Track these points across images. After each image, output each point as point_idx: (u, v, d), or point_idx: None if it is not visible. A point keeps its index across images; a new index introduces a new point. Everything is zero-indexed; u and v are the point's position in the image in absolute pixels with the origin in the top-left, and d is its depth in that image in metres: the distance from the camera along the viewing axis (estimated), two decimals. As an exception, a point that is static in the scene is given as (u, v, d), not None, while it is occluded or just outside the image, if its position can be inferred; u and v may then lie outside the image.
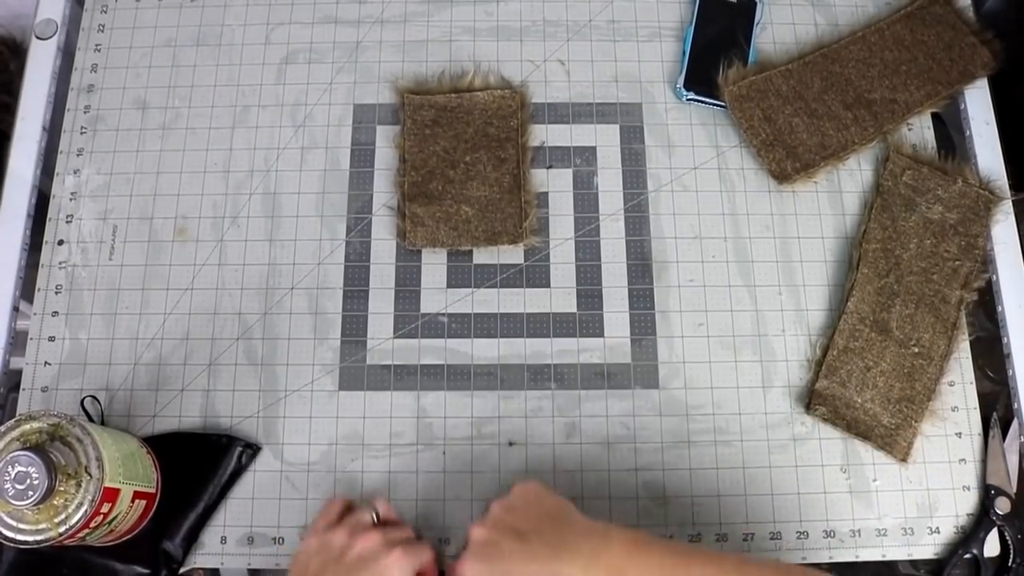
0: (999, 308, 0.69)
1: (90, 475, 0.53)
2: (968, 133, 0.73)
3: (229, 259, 0.69)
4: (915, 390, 0.65)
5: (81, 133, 0.73)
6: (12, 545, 0.52)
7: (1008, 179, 0.71)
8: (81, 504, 0.52)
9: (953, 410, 0.66)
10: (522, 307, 0.68)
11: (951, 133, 0.75)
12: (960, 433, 0.65)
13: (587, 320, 0.68)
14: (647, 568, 0.50)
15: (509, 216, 0.69)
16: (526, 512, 0.53)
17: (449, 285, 0.68)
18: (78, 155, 0.72)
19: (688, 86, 0.72)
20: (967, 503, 0.64)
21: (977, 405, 0.66)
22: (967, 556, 0.62)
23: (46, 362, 0.67)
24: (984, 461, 0.64)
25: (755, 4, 0.75)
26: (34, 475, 0.51)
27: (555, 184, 0.71)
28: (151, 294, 0.68)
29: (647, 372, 0.66)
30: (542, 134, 0.72)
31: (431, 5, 0.76)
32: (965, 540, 0.63)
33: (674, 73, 0.74)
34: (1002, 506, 0.63)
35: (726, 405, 0.66)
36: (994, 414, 0.66)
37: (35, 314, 0.68)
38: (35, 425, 0.53)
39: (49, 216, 0.70)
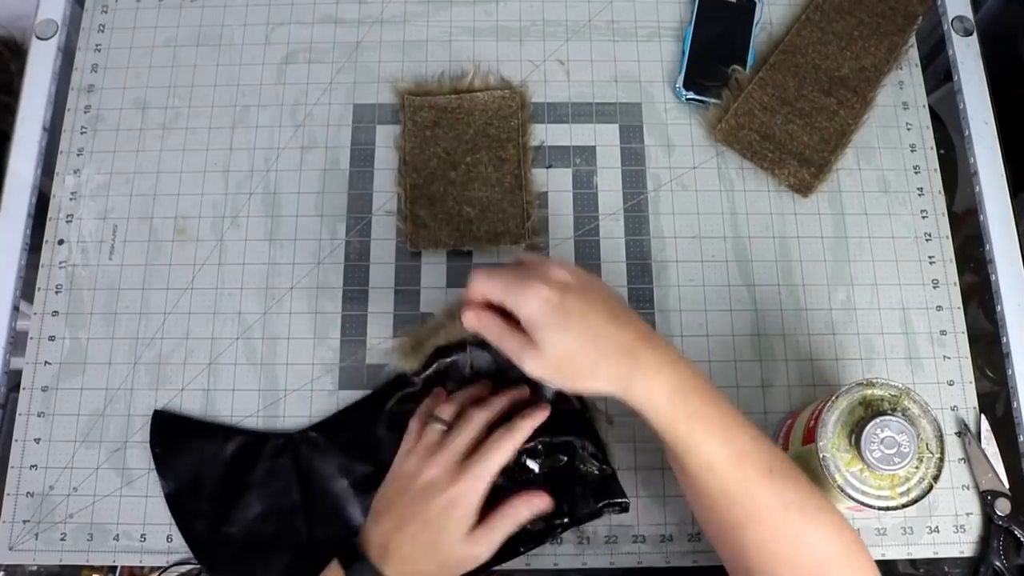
0: (998, 308, 0.69)
1: (931, 452, 0.53)
2: (967, 133, 0.73)
3: (229, 259, 0.69)
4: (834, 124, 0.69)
5: (81, 133, 0.73)
6: (870, 506, 0.53)
7: (1008, 179, 0.71)
8: (922, 479, 0.53)
9: (952, 409, 0.66)
10: (522, 307, 0.68)
11: (950, 133, 0.75)
12: (960, 432, 0.65)
13: (587, 320, 0.67)
14: (704, 416, 0.49)
15: (511, 216, 0.69)
16: (586, 284, 0.51)
17: (449, 285, 0.68)
18: (78, 155, 0.72)
19: (687, 86, 0.72)
20: (966, 502, 0.64)
21: (977, 404, 0.66)
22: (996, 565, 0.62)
23: (46, 361, 0.67)
24: (972, 472, 0.64)
25: (755, 4, 0.75)
26: (904, 442, 0.52)
27: (554, 184, 0.71)
28: (151, 294, 0.68)
29: (647, 372, 0.66)
30: (541, 134, 0.72)
31: (431, 5, 0.76)
32: (984, 553, 0.62)
33: (673, 73, 0.74)
34: (1002, 507, 0.63)
35: (726, 404, 0.66)
36: (962, 422, 0.66)
37: (35, 314, 0.68)
38: (877, 392, 0.54)
39: (49, 216, 0.70)
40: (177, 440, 0.64)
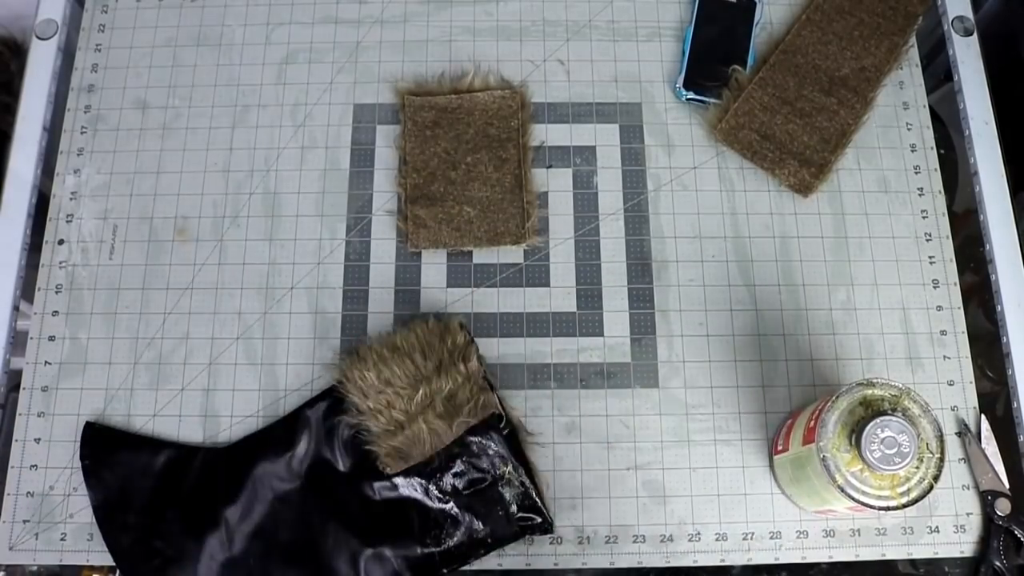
0: (998, 308, 0.69)
1: (931, 452, 0.53)
2: (968, 133, 0.73)
3: (229, 259, 0.69)
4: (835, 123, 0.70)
5: (81, 133, 0.73)
6: (870, 506, 0.53)
7: (1008, 179, 0.71)
8: (922, 480, 0.53)
9: (952, 409, 0.66)
10: (522, 306, 0.68)
11: (950, 133, 0.75)
12: (960, 432, 0.65)
13: (587, 319, 0.68)
14: None
15: (511, 216, 0.69)
16: None
17: (449, 285, 0.68)
18: (78, 155, 0.72)
19: (687, 86, 0.72)
20: (966, 502, 0.64)
21: (977, 404, 0.66)
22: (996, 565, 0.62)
23: (46, 361, 0.67)
24: (972, 472, 0.64)
25: (755, 4, 0.75)
26: (904, 442, 0.52)
27: (555, 184, 0.71)
28: (151, 294, 0.68)
29: (647, 371, 0.66)
30: (541, 134, 0.72)
31: (431, 5, 0.77)
32: (984, 553, 0.62)
33: (673, 73, 0.74)
34: (1002, 507, 0.63)
35: (726, 404, 0.66)
36: (962, 422, 0.66)
37: (35, 314, 0.68)
38: (877, 392, 0.54)
39: (49, 216, 0.71)
40: (106, 452, 0.63)
